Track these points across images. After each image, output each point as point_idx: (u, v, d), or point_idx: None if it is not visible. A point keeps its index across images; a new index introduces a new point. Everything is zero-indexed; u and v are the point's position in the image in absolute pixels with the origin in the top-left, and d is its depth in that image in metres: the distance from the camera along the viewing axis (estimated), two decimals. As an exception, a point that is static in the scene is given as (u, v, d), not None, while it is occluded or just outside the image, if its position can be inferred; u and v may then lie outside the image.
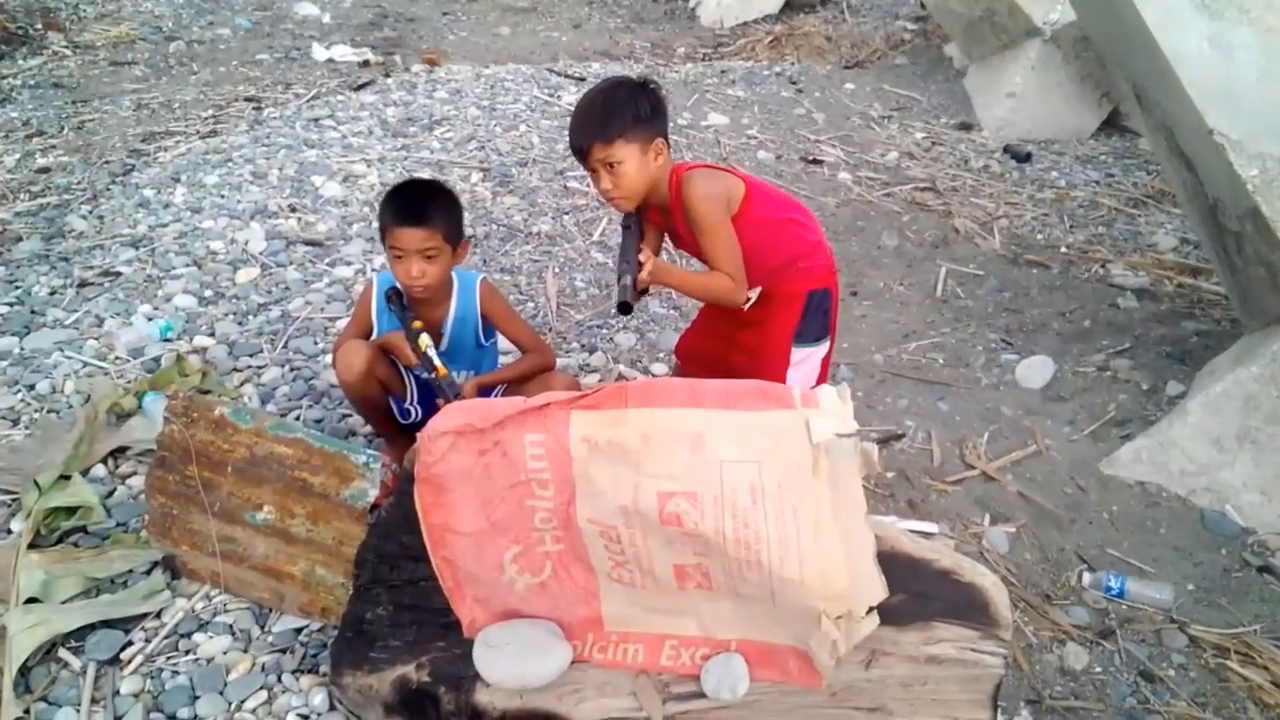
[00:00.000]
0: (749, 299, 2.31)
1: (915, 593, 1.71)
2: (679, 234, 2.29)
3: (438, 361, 2.27)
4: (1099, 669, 2.16)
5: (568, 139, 2.19)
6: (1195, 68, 2.57)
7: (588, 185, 4.48)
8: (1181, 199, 3.29)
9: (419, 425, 2.44)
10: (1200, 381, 2.86)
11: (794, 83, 6.18)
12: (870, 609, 1.63)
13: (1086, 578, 2.39)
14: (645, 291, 2.22)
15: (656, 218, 2.33)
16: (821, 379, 2.42)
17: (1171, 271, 3.96)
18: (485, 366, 2.55)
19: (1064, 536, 2.54)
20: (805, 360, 2.35)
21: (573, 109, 2.20)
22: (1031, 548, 2.50)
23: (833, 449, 1.59)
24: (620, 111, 2.10)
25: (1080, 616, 2.29)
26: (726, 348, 2.41)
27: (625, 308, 2.08)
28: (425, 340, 2.29)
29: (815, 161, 4.99)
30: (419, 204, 2.23)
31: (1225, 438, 2.64)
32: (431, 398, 2.47)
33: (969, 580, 1.74)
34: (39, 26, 6.65)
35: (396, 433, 2.55)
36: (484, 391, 2.38)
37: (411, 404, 2.49)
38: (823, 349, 2.39)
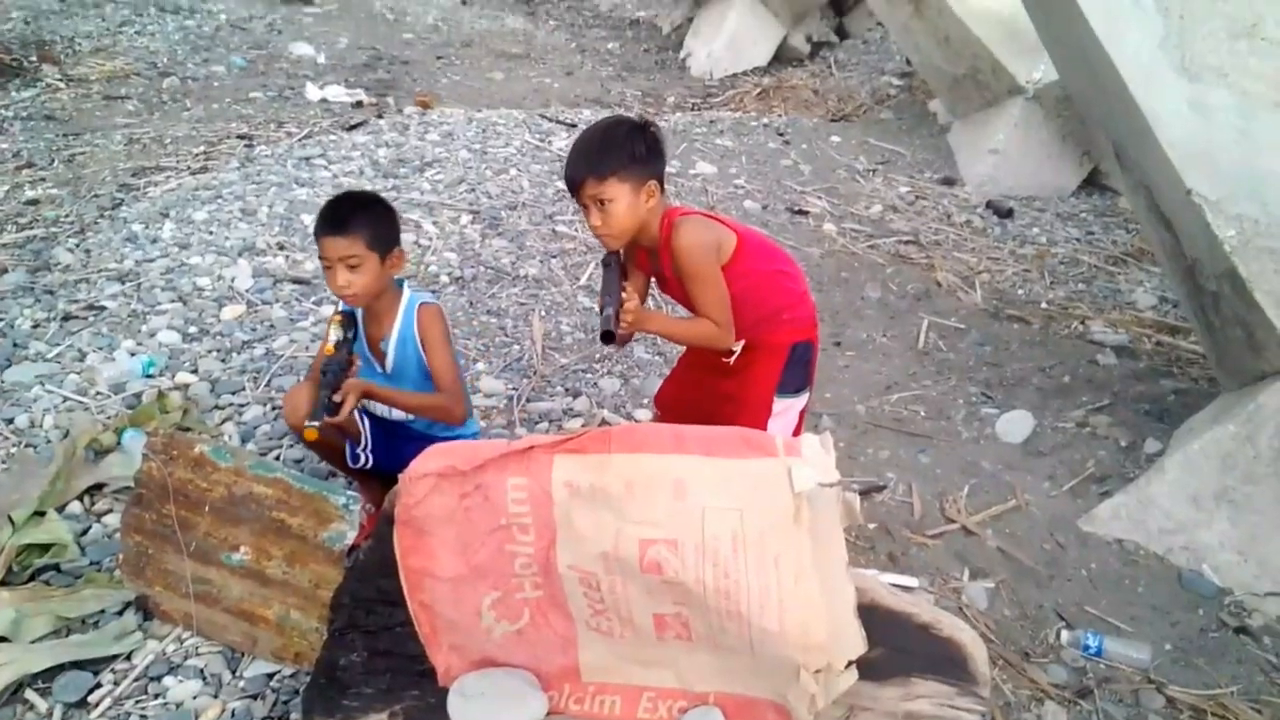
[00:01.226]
0: (733, 350, 2.32)
1: (894, 647, 1.71)
2: (665, 278, 2.30)
3: (331, 340, 2.23)
4: (1077, 728, 2.16)
5: (564, 171, 2.19)
6: (1174, 129, 2.62)
7: (576, 229, 4.52)
8: (1160, 258, 3.34)
9: (373, 473, 2.44)
10: (1178, 439, 2.89)
11: (781, 134, 6.27)
12: (849, 663, 1.62)
13: (1065, 635, 2.38)
14: (630, 337, 2.23)
15: (644, 259, 2.33)
16: (798, 430, 2.42)
17: (1150, 329, 4.01)
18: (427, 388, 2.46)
19: (1043, 593, 2.54)
20: (785, 411, 2.36)
21: (571, 144, 2.21)
22: (1010, 604, 2.50)
23: (815, 499, 1.60)
24: (616, 150, 2.10)
25: (1058, 675, 2.28)
26: (707, 397, 2.40)
27: (608, 336, 2.07)
28: (335, 322, 2.27)
29: (801, 212, 5.05)
30: (343, 213, 2.22)
31: (1203, 496, 2.65)
32: (386, 441, 2.45)
33: (948, 635, 1.74)
34: (34, 59, 6.69)
35: (361, 476, 2.53)
36: (368, 416, 2.41)
37: (364, 450, 2.45)
38: (802, 400, 2.40)
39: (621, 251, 2.26)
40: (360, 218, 2.22)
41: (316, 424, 2.07)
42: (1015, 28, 5.21)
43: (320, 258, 2.24)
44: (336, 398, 2.13)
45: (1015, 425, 3.24)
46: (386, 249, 2.26)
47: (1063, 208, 5.46)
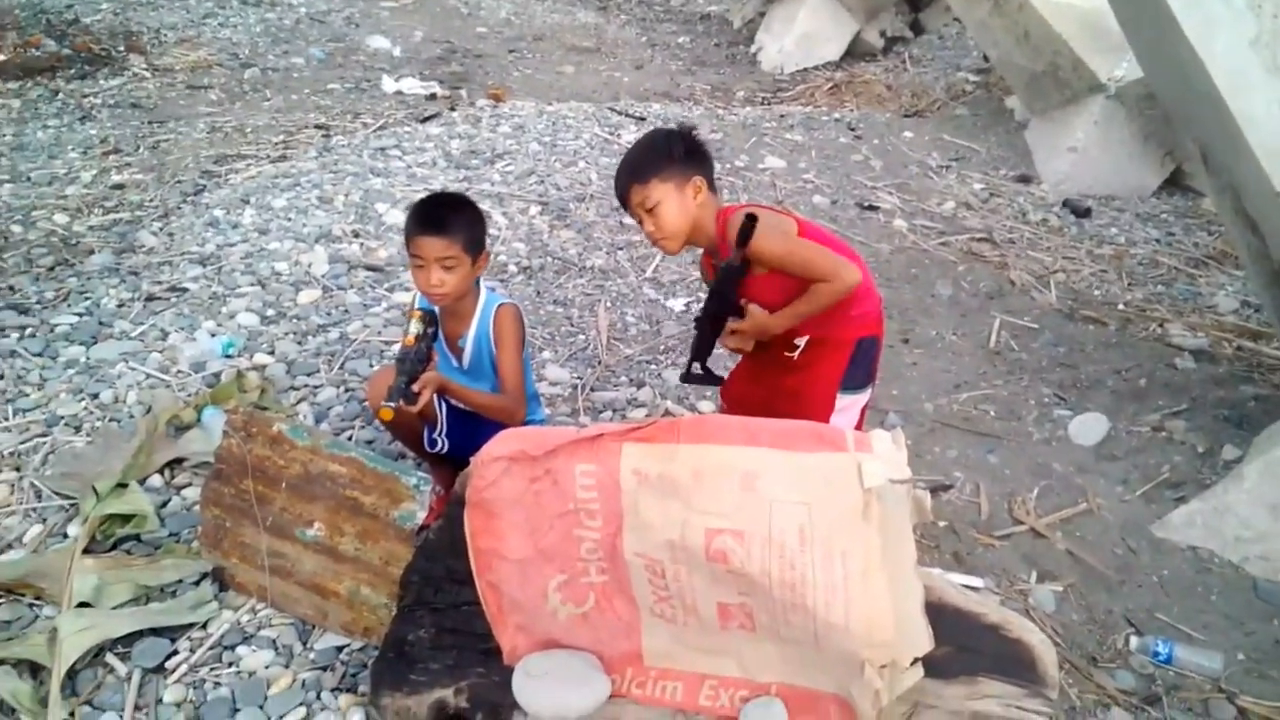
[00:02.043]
0: (797, 345, 2.29)
1: (961, 646, 1.69)
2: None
3: (411, 332, 2.23)
4: (1146, 737, 2.11)
5: (615, 193, 2.24)
6: (1264, 130, 2.54)
7: (643, 222, 4.53)
8: (1245, 261, 3.24)
9: (446, 457, 2.49)
10: (1258, 447, 2.80)
11: (852, 129, 6.21)
12: (915, 660, 1.61)
13: (1134, 641, 2.33)
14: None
15: (709, 264, 2.34)
16: (859, 427, 2.40)
17: (1231, 334, 3.89)
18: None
19: (1112, 598, 2.49)
20: (848, 408, 2.33)
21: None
22: (1079, 608, 2.45)
23: (885, 495, 1.59)
24: (655, 154, 2.15)
25: (1126, 681, 2.23)
26: (771, 394, 2.37)
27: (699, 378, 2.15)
28: (415, 318, 2.27)
29: (871, 208, 4.99)
30: (440, 214, 2.25)
31: (1284, 506, 2.57)
32: (462, 428, 2.50)
33: (1017, 636, 1.71)
34: (121, 49, 6.91)
35: (431, 457, 2.58)
36: (445, 404, 2.48)
37: (440, 434, 2.51)
38: (865, 396, 2.37)
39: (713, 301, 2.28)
40: (458, 220, 2.25)
41: (392, 405, 2.10)
42: (1097, 24, 5.08)
43: (413, 255, 2.26)
44: (415, 387, 2.16)
45: (1089, 427, 3.17)
46: (478, 251, 2.31)
47: (1142, 208, 5.32)
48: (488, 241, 2.39)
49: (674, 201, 2.13)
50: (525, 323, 2.48)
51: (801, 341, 2.28)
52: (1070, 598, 2.48)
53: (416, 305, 2.41)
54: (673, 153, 2.15)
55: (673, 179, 2.13)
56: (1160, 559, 2.62)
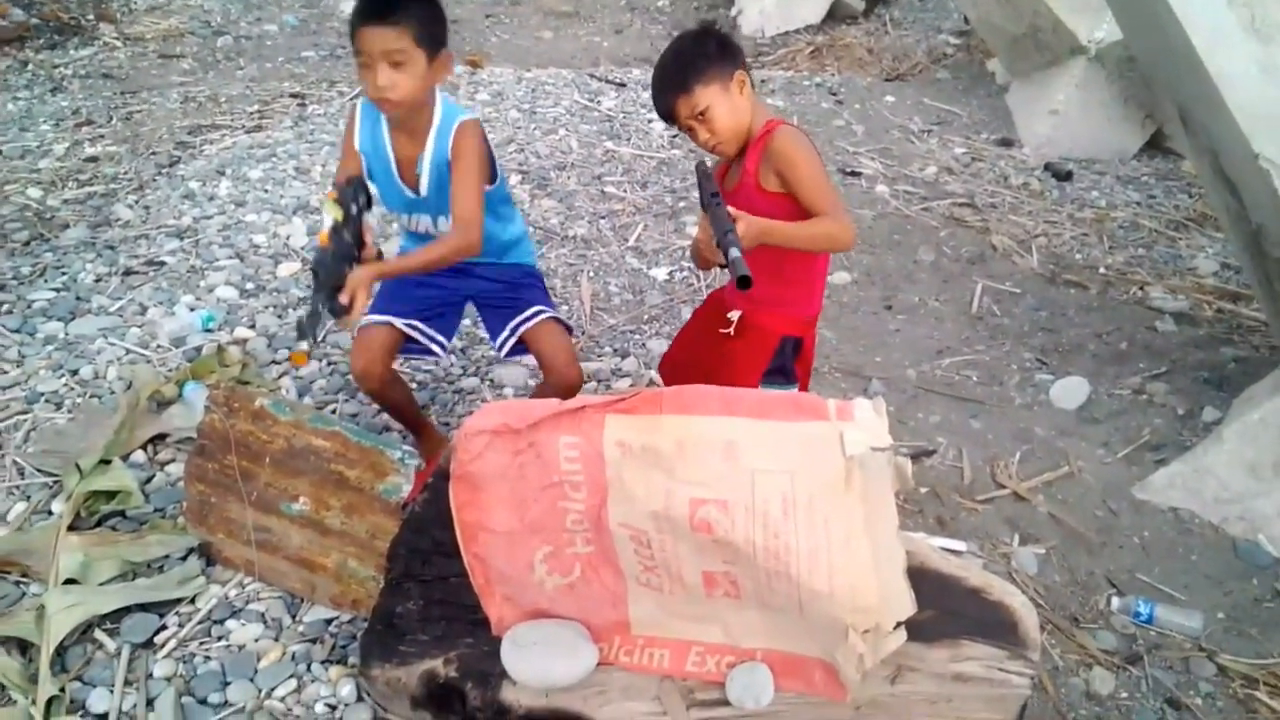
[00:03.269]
0: (731, 320, 2.24)
1: (944, 610, 1.71)
2: (744, 185, 2.14)
3: (326, 224, 1.93)
4: (1125, 695, 2.15)
5: (654, 109, 2.11)
6: (1243, 91, 2.54)
7: (625, 190, 4.51)
8: (1224, 223, 3.26)
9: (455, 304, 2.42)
10: (1237, 408, 2.83)
11: (834, 94, 6.18)
12: (898, 624, 1.62)
13: (1115, 602, 2.37)
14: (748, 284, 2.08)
15: (724, 172, 2.23)
16: None
17: (1211, 296, 3.92)
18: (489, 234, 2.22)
19: (1094, 560, 2.52)
20: None
21: (651, 81, 2.14)
22: (1061, 570, 2.48)
23: (866, 463, 1.59)
24: (690, 59, 2.05)
25: (1108, 641, 2.27)
26: (701, 375, 2.29)
27: (745, 281, 1.85)
28: (330, 201, 1.97)
29: (853, 174, 4.98)
30: (389, 2, 1.95)
31: (1261, 466, 2.60)
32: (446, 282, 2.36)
33: (998, 599, 1.73)
34: (91, 17, 6.79)
35: (418, 429, 2.58)
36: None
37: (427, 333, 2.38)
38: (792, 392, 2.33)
39: (708, 161, 2.14)
40: (411, 6, 1.96)
41: (305, 347, 1.81)
42: (1078, -16, 5.07)
43: (357, 53, 1.98)
44: (343, 298, 1.87)
45: (1070, 391, 3.20)
46: (435, 49, 2.02)
47: (1123, 171, 5.33)
48: (449, 42, 2.09)
49: (723, 102, 2.04)
50: (489, 142, 2.20)
51: (735, 315, 2.23)
52: (1052, 560, 2.51)
53: (333, 184, 2.10)
54: (709, 52, 2.05)
55: (716, 79, 2.03)
56: (1141, 520, 2.66)
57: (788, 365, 2.30)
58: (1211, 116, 2.74)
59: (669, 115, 2.08)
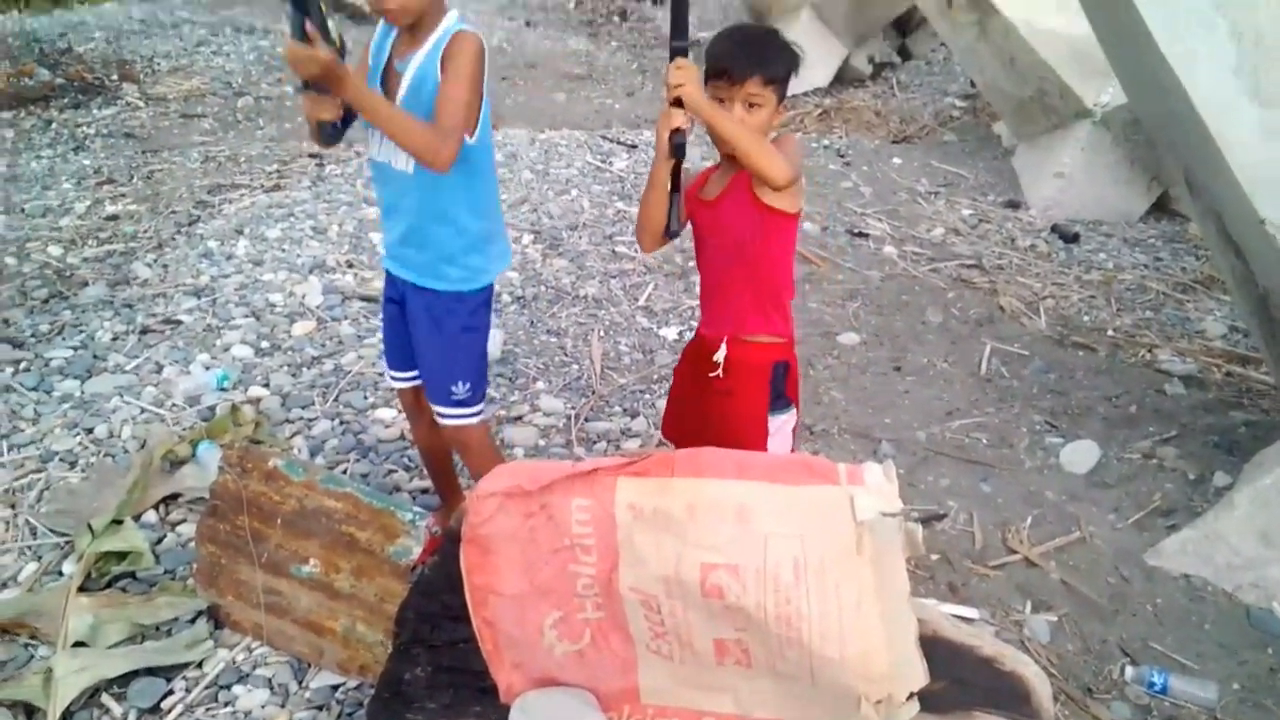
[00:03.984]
0: (718, 363, 2.21)
1: (956, 679, 1.70)
2: (738, 192, 2.13)
3: None
4: (1142, 767, 2.12)
5: (717, 52, 2.04)
6: (1247, 155, 2.58)
7: (635, 250, 4.56)
8: (1231, 286, 3.27)
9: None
10: (1248, 474, 2.82)
11: (842, 155, 6.26)
12: (910, 694, 1.61)
13: (1129, 672, 2.34)
14: (678, 138, 2.00)
15: (709, 172, 2.24)
16: (792, 449, 2.37)
17: (1220, 359, 3.92)
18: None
19: (1107, 628, 2.50)
20: (779, 430, 2.28)
21: (726, 33, 2.14)
22: (1073, 638, 2.46)
23: (877, 528, 1.60)
24: (786, 63, 2.07)
25: (1122, 712, 2.24)
26: (703, 426, 2.27)
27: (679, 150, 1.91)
28: None
29: (861, 234, 5.03)
30: None
31: (1273, 533, 2.59)
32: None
33: (1011, 669, 1.72)
34: (115, 78, 6.95)
35: (446, 495, 2.58)
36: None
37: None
38: (792, 417, 2.30)
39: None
40: None
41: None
42: (1082, 50, 5.14)
43: None
44: (309, 29, 1.76)
45: (1080, 455, 3.19)
46: None
47: (1130, 233, 5.37)
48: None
49: (770, 113, 2.06)
50: (486, 60, 2.02)
51: (721, 356, 2.20)
52: (1065, 628, 2.49)
53: None
54: (792, 67, 2.09)
55: (779, 94, 2.07)
56: (1154, 587, 2.64)
57: (783, 391, 2.30)
58: (1216, 180, 2.77)
59: (729, 76, 2.02)
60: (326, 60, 1.79)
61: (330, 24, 1.85)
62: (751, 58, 2.02)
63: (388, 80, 2.05)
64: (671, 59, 1.94)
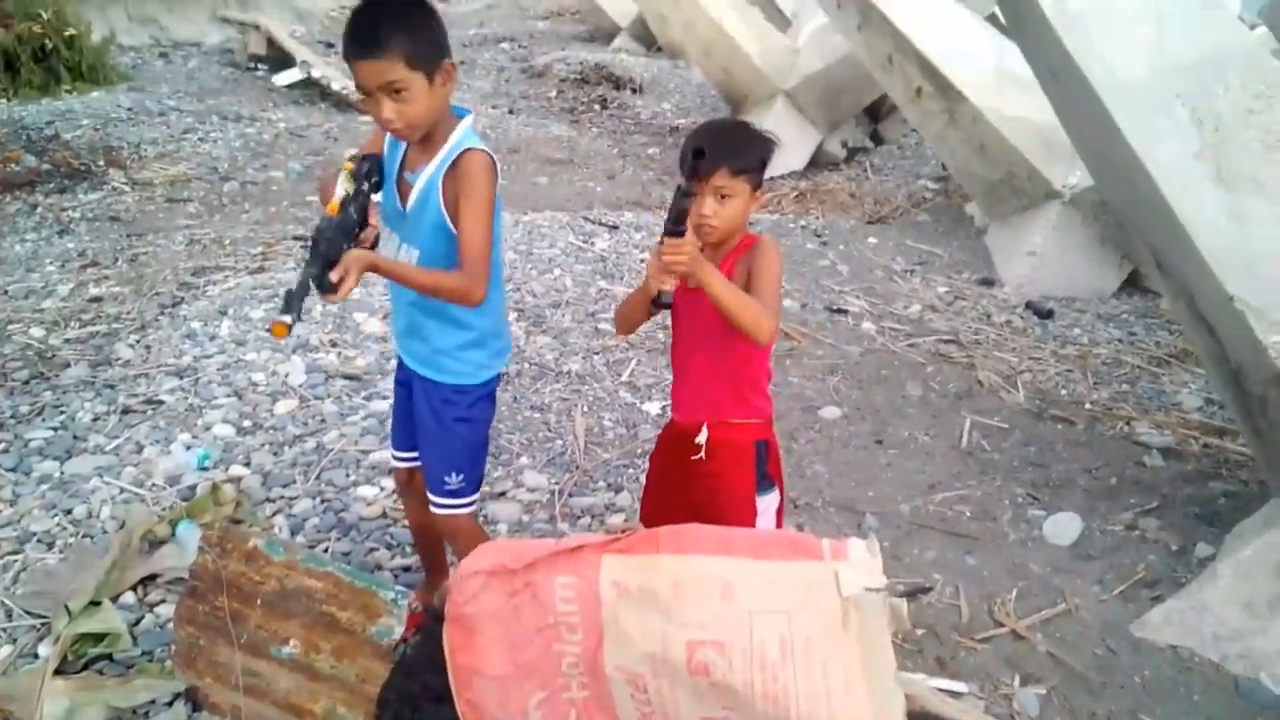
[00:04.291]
0: (701, 445, 2.22)
1: (945, 755, 1.68)
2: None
3: (338, 195, 1.87)
4: (1137, 845, 2.08)
5: (690, 145, 2.03)
6: (1213, 237, 2.65)
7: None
8: (1204, 361, 3.34)
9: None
10: (1229, 544, 2.84)
11: (819, 235, 6.38)
12: (900, 770, 1.60)
13: (1121, 746, 2.32)
14: (664, 305, 2.03)
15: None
16: (778, 526, 2.37)
17: (1197, 431, 3.97)
18: (444, 261, 2.05)
19: (1095, 700, 2.48)
20: (765, 511, 2.27)
21: (698, 129, 2.18)
22: (1062, 711, 2.44)
23: (862, 603, 1.60)
24: (756, 154, 2.11)
25: (1115, 787, 2.22)
26: (691, 514, 2.13)
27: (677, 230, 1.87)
28: (346, 171, 1.92)
29: (840, 311, 5.11)
30: (373, 29, 1.84)
31: (1257, 603, 2.60)
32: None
33: (1000, 744, 1.71)
34: (101, 163, 7.02)
35: (432, 570, 2.57)
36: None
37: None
38: (776, 497, 2.32)
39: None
40: (395, 31, 1.84)
41: (288, 320, 1.71)
42: (1050, 135, 5.31)
43: (356, 87, 1.91)
44: (333, 275, 1.77)
45: (1063, 527, 3.21)
46: (432, 65, 1.91)
47: (1104, 309, 5.47)
48: (447, 47, 1.96)
49: (741, 205, 2.10)
50: (498, 181, 2.06)
51: (703, 439, 2.21)
52: (1054, 700, 2.47)
53: (360, 151, 2.06)
54: (765, 159, 2.12)
55: (751, 185, 2.10)
56: (1141, 659, 2.63)
57: (767, 470, 2.30)
58: (1184, 261, 2.85)
59: (697, 170, 2.01)
60: (355, 273, 1.82)
61: (340, 190, 1.89)
62: (717, 151, 2.04)
63: (399, 190, 2.09)
64: (668, 234, 1.92)
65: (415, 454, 2.38)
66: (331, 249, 1.78)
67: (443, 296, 2.01)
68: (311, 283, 1.75)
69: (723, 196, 2.08)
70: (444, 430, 2.24)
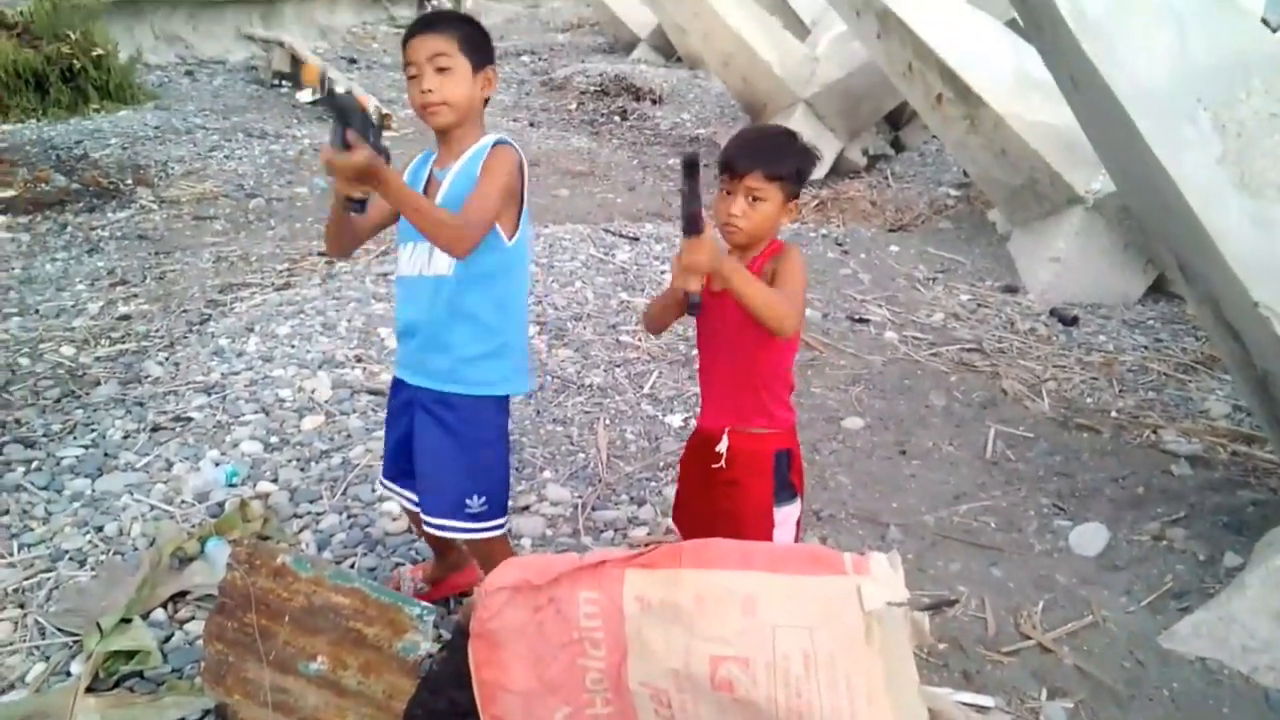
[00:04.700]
0: (721, 454, 2.24)
1: (971, 770, 1.68)
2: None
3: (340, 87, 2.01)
4: None
5: (726, 148, 2.11)
6: (1238, 244, 2.64)
7: (640, 339, 4.62)
8: (1230, 368, 3.31)
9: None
10: (1258, 553, 2.81)
11: (840, 244, 6.37)
12: (925, 786, 1.60)
13: (1150, 759, 2.30)
14: (695, 306, 2.02)
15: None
16: (796, 539, 2.37)
17: (1225, 439, 3.93)
18: (473, 257, 2.09)
19: (1124, 714, 2.46)
20: (784, 522, 2.28)
21: (740, 132, 2.21)
22: (1091, 725, 2.43)
23: (885, 618, 1.60)
24: (793, 163, 2.12)
25: (1145, 801, 2.20)
26: (712, 519, 2.26)
27: (693, 226, 1.89)
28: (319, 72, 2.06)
29: (862, 320, 5.10)
30: (436, 16, 2.12)
31: (1288, 614, 2.57)
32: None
33: (1026, 759, 1.70)
34: (129, 182, 7.13)
35: (447, 556, 2.65)
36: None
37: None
38: (796, 508, 2.33)
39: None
40: (456, 21, 2.09)
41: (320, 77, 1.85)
42: (1071, 139, 5.28)
43: (406, 66, 2.06)
44: (350, 137, 1.87)
45: (1089, 538, 3.18)
46: (480, 61, 2.09)
47: (1129, 315, 5.43)
48: (493, 57, 2.15)
49: (774, 209, 2.11)
50: (525, 172, 2.17)
51: (723, 447, 2.22)
52: (1081, 714, 2.45)
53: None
54: (804, 169, 2.15)
55: (786, 192, 2.11)
56: (1169, 671, 2.60)
57: (788, 479, 2.30)
58: (1209, 267, 2.83)
59: (733, 171, 2.08)
60: (362, 166, 1.88)
61: (375, 132, 1.96)
62: (755, 154, 2.09)
63: (428, 187, 2.19)
64: (686, 235, 1.93)
65: (399, 486, 2.44)
66: (352, 115, 1.87)
67: (435, 229, 2.00)
68: (333, 109, 1.88)
69: (754, 199, 2.09)
70: (461, 450, 2.25)
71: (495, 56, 2.14)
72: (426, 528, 2.35)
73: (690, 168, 1.90)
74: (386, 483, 2.50)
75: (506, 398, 2.31)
